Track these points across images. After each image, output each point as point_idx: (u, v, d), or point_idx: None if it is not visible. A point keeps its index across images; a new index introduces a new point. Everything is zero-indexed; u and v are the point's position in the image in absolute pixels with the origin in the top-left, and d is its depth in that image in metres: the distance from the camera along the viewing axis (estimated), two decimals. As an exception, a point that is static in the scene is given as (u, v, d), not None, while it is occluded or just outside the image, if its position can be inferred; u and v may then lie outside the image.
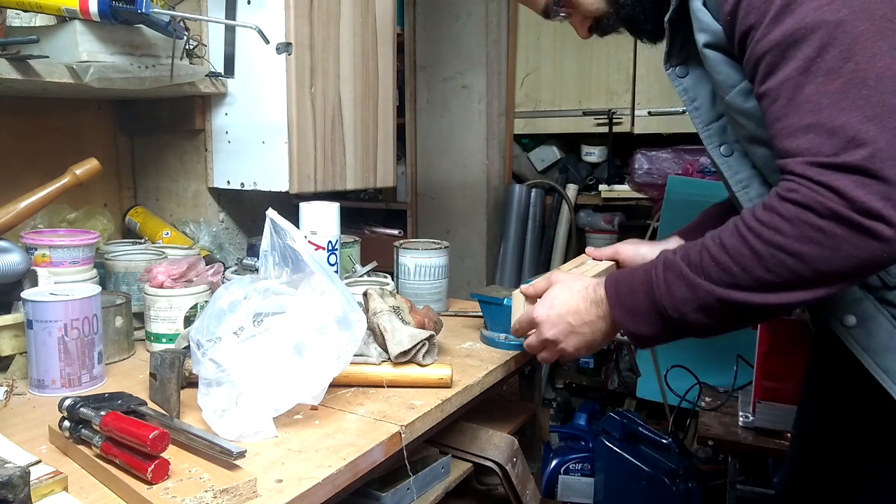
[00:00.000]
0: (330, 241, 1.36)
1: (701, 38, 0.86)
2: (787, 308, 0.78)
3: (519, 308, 1.07)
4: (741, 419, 1.76)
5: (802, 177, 0.72)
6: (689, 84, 0.96)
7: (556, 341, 0.97)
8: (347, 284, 1.31)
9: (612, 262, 1.23)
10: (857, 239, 0.69)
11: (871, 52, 0.69)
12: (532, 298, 1.04)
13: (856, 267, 0.71)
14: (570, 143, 2.93)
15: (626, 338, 0.93)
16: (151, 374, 1.00)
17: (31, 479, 0.69)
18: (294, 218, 1.21)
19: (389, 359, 1.08)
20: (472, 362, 1.19)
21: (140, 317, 1.25)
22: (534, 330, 1.01)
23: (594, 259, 1.22)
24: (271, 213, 1.02)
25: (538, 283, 1.04)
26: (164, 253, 1.38)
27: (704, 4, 0.85)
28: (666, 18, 0.91)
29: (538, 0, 1.03)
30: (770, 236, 0.73)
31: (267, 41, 1.27)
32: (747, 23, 0.77)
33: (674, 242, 1.18)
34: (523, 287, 1.07)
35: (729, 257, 0.77)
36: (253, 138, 1.49)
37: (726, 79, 0.86)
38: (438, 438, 1.18)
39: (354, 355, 0.97)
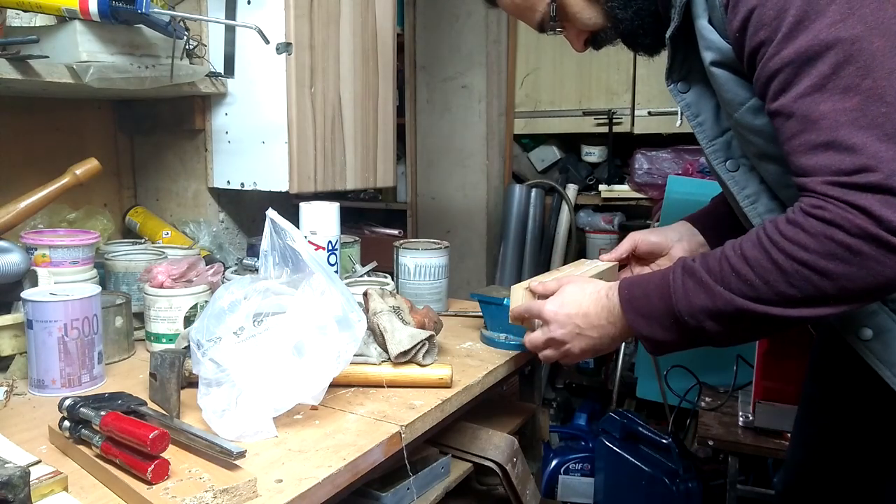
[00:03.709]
0: (330, 241, 1.36)
1: (707, 56, 0.85)
2: (806, 322, 0.77)
3: (518, 302, 1.07)
4: (741, 419, 1.76)
5: (825, 196, 0.71)
6: (692, 100, 0.94)
7: (563, 342, 0.97)
8: (347, 284, 1.31)
9: (614, 263, 1.23)
10: (885, 257, 0.69)
11: (888, 68, 0.68)
12: (541, 297, 1.03)
13: (881, 285, 0.71)
14: (570, 143, 2.93)
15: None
16: (151, 374, 1.00)
17: (31, 479, 0.69)
18: (294, 218, 1.21)
19: (389, 359, 1.08)
20: (472, 362, 1.19)
21: (140, 317, 1.25)
22: (540, 327, 1.00)
23: (609, 260, 1.21)
24: (271, 213, 1.02)
25: (549, 282, 1.03)
26: (164, 253, 1.38)
27: (710, 22, 0.83)
28: (667, 35, 0.90)
29: (534, 15, 1.00)
30: (794, 252, 0.73)
31: (267, 41, 1.27)
32: (758, 39, 0.76)
33: (680, 228, 1.17)
34: (533, 284, 1.06)
35: (751, 269, 0.76)
36: (253, 138, 1.49)
37: (735, 97, 0.85)
38: (438, 438, 1.18)
39: (354, 355, 0.97)
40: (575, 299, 0.96)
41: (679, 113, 1.05)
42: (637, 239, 1.17)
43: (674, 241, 1.15)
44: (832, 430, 1.09)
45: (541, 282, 1.05)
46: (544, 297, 1.02)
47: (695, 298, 0.81)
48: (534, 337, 1.01)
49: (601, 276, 1.18)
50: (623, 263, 1.23)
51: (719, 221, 1.14)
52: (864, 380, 0.88)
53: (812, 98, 0.72)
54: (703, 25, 0.84)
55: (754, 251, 0.76)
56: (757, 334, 0.82)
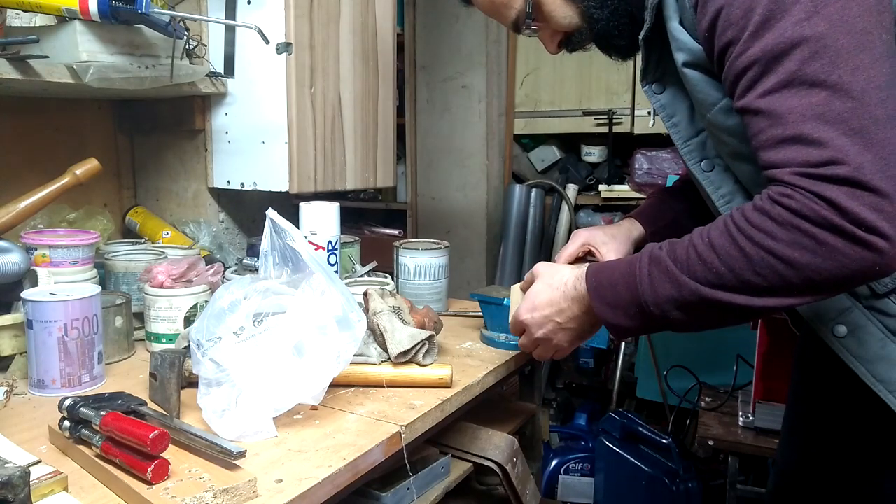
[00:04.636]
0: (330, 241, 1.36)
1: (679, 58, 0.86)
2: (770, 312, 0.77)
3: (517, 303, 1.07)
4: (741, 419, 1.76)
5: (794, 185, 0.71)
6: (667, 101, 0.95)
7: (549, 339, 0.99)
8: (347, 284, 1.31)
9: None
10: (850, 249, 0.69)
11: (853, 64, 0.69)
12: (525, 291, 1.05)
13: (846, 277, 0.71)
14: (570, 143, 2.93)
15: None
16: (151, 374, 1.00)
17: (31, 479, 0.69)
18: (294, 218, 1.21)
19: (389, 359, 1.08)
20: (472, 362, 1.19)
21: (140, 317, 1.25)
22: (523, 335, 1.02)
23: (562, 263, 1.22)
24: (271, 213, 1.02)
25: (528, 276, 1.05)
26: (164, 253, 1.38)
27: (681, 23, 0.84)
28: (640, 36, 0.90)
29: (509, 13, 1.00)
30: (761, 239, 0.73)
31: (267, 41, 1.27)
32: (725, 38, 0.76)
33: (628, 225, 1.20)
34: (522, 284, 1.08)
35: (717, 257, 0.76)
36: (253, 138, 1.49)
37: (707, 97, 0.85)
38: (438, 438, 1.18)
39: (354, 355, 0.97)
40: (545, 298, 0.97)
41: (652, 114, 1.06)
42: (586, 240, 1.19)
43: (608, 240, 1.18)
44: (818, 428, 1.09)
45: (525, 279, 1.06)
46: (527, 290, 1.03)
47: (660, 288, 0.81)
48: (522, 339, 1.04)
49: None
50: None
51: (660, 216, 1.20)
52: (846, 377, 0.89)
53: (779, 94, 0.72)
54: (675, 27, 0.85)
55: (721, 238, 0.76)
56: (721, 322, 0.82)
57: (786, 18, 0.71)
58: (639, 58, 0.99)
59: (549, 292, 0.97)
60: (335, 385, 1.00)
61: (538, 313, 0.98)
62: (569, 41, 1.01)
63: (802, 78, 0.71)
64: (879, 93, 0.68)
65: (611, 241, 1.19)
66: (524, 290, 1.04)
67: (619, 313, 0.86)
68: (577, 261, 1.24)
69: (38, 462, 0.77)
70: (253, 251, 1.46)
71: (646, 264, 0.83)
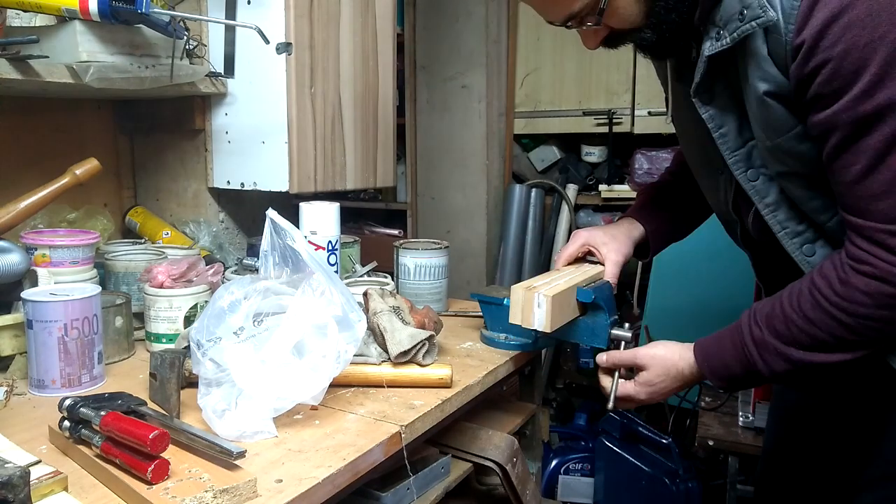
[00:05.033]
0: (330, 241, 1.36)
1: (762, 87, 0.85)
2: (862, 359, 0.87)
3: (518, 303, 1.07)
4: (741, 419, 1.76)
5: (877, 244, 0.79)
6: (716, 112, 0.95)
7: (645, 401, 1.06)
8: (347, 284, 1.31)
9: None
10: None
11: None
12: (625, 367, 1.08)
13: None
14: (570, 143, 2.93)
15: None
16: (151, 374, 1.00)
17: (31, 479, 0.69)
18: (294, 218, 1.21)
19: (389, 359, 1.08)
20: (472, 362, 1.19)
21: (140, 317, 1.25)
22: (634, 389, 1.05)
23: (563, 263, 1.23)
24: (271, 213, 1.02)
25: (630, 355, 1.06)
26: (164, 253, 1.38)
27: (769, 53, 0.83)
28: (708, 52, 0.89)
29: (571, 5, 0.90)
30: (854, 310, 0.82)
31: (267, 41, 1.27)
32: (828, 88, 0.78)
33: (627, 225, 1.23)
34: (612, 360, 1.08)
35: (819, 329, 0.85)
36: (253, 138, 1.49)
37: (783, 124, 0.86)
38: (438, 438, 1.18)
39: (354, 355, 0.97)
40: (665, 389, 1.03)
41: (667, 111, 1.07)
42: (586, 240, 1.23)
43: (608, 241, 1.22)
44: (802, 421, 1.14)
45: (626, 359, 1.07)
46: (628, 365, 1.07)
47: (776, 366, 0.90)
48: (628, 389, 1.06)
49: (601, 275, 1.18)
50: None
51: (657, 214, 1.25)
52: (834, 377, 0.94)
53: (882, 150, 0.77)
54: (764, 56, 0.84)
55: (817, 314, 0.85)
56: (821, 374, 0.91)
57: None
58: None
59: (669, 383, 1.02)
60: (335, 385, 1.00)
61: (657, 397, 1.04)
62: (615, 39, 0.96)
63: None
64: None
65: (611, 241, 1.20)
66: (617, 369, 1.07)
67: (734, 383, 0.98)
68: (576, 261, 1.24)
69: (38, 462, 0.77)
70: (253, 251, 1.46)
71: (753, 349, 0.91)
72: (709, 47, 0.89)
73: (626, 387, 1.05)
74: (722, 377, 0.97)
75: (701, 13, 0.90)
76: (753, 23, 0.82)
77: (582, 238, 1.22)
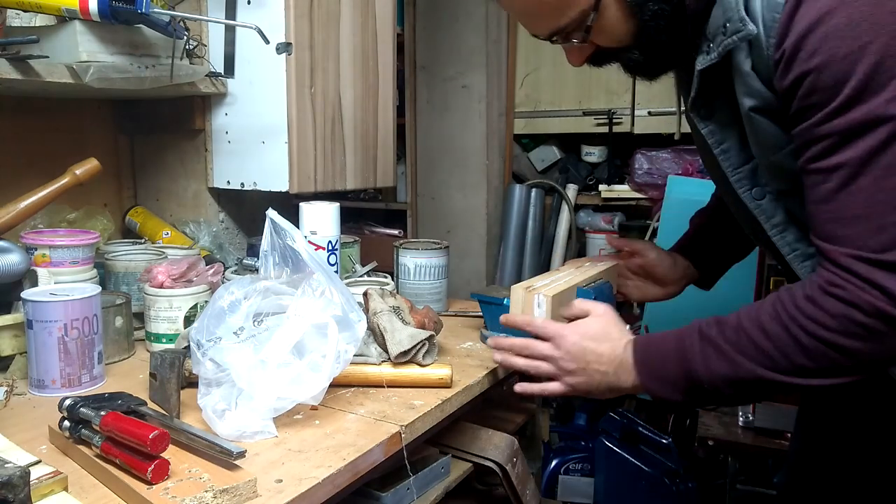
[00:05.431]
0: (330, 241, 1.36)
1: (747, 102, 0.83)
2: (819, 390, 0.79)
3: (517, 303, 1.07)
4: (741, 419, 1.76)
5: (848, 270, 0.73)
6: (717, 127, 0.91)
7: (565, 368, 0.96)
8: (347, 284, 1.31)
9: (614, 263, 1.23)
10: None
11: None
12: (567, 315, 1.02)
13: (894, 356, 0.74)
14: (570, 143, 2.93)
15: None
16: (151, 374, 1.00)
17: (31, 479, 0.69)
18: (294, 218, 1.21)
19: (389, 359, 1.08)
20: (472, 362, 1.19)
21: (140, 317, 1.25)
22: (547, 346, 0.98)
23: (617, 246, 1.23)
24: (271, 213, 1.02)
25: (580, 304, 1.01)
26: (164, 253, 1.38)
27: (753, 68, 0.81)
28: (700, 67, 0.86)
29: (558, 20, 0.88)
30: (814, 329, 0.75)
31: (267, 41, 1.27)
32: (808, 102, 0.74)
33: (683, 261, 1.21)
34: (572, 311, 1.01)
35: (770, 343, 0.78)
36: (253, 138, 1.49)
37: (775, 141, 0.83)
38: (438, 438, 1.18)
39: (354, 355, 0.97)
40: (597, 337, 0.95)
41: (678, 126, 1.05)
42: (653, 256, 1.20)
43: (677, 278, 1.20)
44: (834, 433, 1.09)
45: (574, 303, 1.02)
46: (569, 317, 1.01)
47: (715, 367, 0.83)
48: (540, 346, 0.99)
49: (601, 275, 1.18)
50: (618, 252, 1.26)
51: (709, 250, 1.21)
52: (865, 386, 0.88)
53: (854, 169, 0.72)
54: (747, 72, 0.81)
55: (773, 326, 0.78)
56: (767, 396, 0.87)
57: (880, 95, 0.70)
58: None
59: (603, 338, 0.95)
60: (335, 385, 1.00)
61: (580, 346, 0.95)
62: (601, 57, 0.95)
63: (881, 158, 0.70)
64: None
65: (662, 251, 1.20)
66: (568, 315, 1.01)
67: (668, 387, 0.88)
68: (576, 261, 1.25)
69: (38, 462, 0.76)
70: (253, 251, 1.46)
71: (696, 342, 0.84)
72: (700, 61, 0.86)
73: (556, 325, 0.98)
74: (653, 373, 0.88)
75: (693, 27, 0.87)
76: (734, 37, 0.79)
77: (643, 247, 1.22)
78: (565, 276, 1.14)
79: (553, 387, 0.99)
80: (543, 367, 0.99)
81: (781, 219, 0.89)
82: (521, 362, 1.02)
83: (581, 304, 1.01)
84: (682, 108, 1.02)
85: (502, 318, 1.06)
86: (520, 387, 1.04)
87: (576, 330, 0.97)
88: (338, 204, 1.38)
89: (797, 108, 0.76)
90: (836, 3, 0.71)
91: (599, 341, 0.95)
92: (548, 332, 0.99)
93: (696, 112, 0.92)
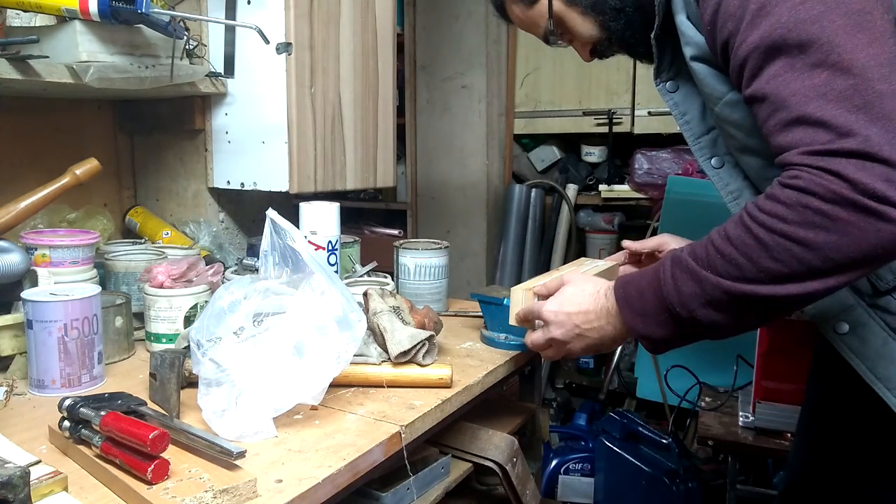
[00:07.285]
0: (330, 241, 1.36)
1: (687, 52, 0.87)
2: (799, 300, 0.75)
3: (518, 303, 1.07)
4: (741, 419, 1.76)
5: (802, 165, 0.71)
6: (680, 99, 0.97)
7: (564, 342, 0.96)
8: (347, 284, 1.31)
9: (615, 263, 1.23)
10: (864, 222, 0.67)
11: (851, 44, 0.69)
12: (542, 297, 1.03)
13: (866, 253, 0.69)
14: (570, 143, 2.93)
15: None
16: (151, 374, 1.00)
17: (31, 479, 0.69)
18: (294, 218, 1.21)
19: (389, 359, 1.08)
20: (472, 362, 1.19)
21: (140, 317, 1.25)
22: (540, 326, 1.00)
23: (635, 250, 1.22)
24: (271, 213, 1.02)
25: (550, 282, 1.03)
26: (164, 253, 1.38)
27: (688, 17, 0.86)
28: (652, 35, 0.92)
29: (538, 29, 1.05)
30: (773, 224, 0.72)
31: (267, 41, 1.27)
32: (726, 31, 0.78)
33: None
34: (537, 287, 1.05)
35: (734, 248, 0.75)
36: (253, 138, 1.49)
37: (713, 91, 0.87)
38: (438, 438, 1.18)
39: (354, 355, 0.97)
40: (574, 299, 0.95)
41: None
42: (673, 246, 1.15)
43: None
44: (835, 436, 1.09)
45: (543, 283, 1.05)
46: (545, 297, 1.01)
47: (684, 287, 0.79)
48: (535, 337, 1.01)
49: (601, 275, 1.18)
50: (634, 258, 1.23)
51: None
52: (863, 385, 0.88)
53: (782, 78, 0.73)
54: (682, 21, 0.86)
55: (736, 230, 0.75)
56: (752, 319, 0.80)
57: (781, 4, 0.72)
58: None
59: (580, 297, 0.94)
60: (335, 385, 1.00)
61: (563, 311, 0.95)
62: (597, 50, 1.05)
63: (803, 60, 0.71)
64: (881, 69, 0.68)
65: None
66: (543, 294, 1.02)
67: (650, 322, 0.85)
68: (576, 261, 1.24)
69: (38, 462, 0.77)
70: (253, 251, 1.46)
71: (668, 267, 0.82)
72: (653, 31, 0.92)
73: (538, 303, 1.00)
74: (634, 308, 0.86)
75: (648, 7, 0.92)
76: None
77: (664, 237, 1.19)
78: (566, 274, 1.14)
79: (569, 357, 1.02)
80: (550, 353, 1.01)
81: (736, 186, 0.93)
82: (549, 353, 1.02)
83: (549, 283, 1.02)
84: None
85: (514, 322, 1.08)
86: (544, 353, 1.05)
87: (552, 302, 0.97)
88: (338, 204, 1.38)
89: (721, 43, 0.79)
90: None
91: (580, 302, 0.94)
92: (532, 314, 1.02)
93: (663, 84, 0.97)
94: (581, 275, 1.02)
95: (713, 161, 0.95)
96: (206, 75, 1.42)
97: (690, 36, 0.86)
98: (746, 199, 0.91)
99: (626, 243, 1.21)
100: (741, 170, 0.93)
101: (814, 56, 0.71)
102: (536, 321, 1.02)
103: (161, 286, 1.19)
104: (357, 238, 1.61)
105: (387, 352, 1.08)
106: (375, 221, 3.04)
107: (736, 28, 0.76)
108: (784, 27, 0.72)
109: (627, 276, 0.91)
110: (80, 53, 1.16)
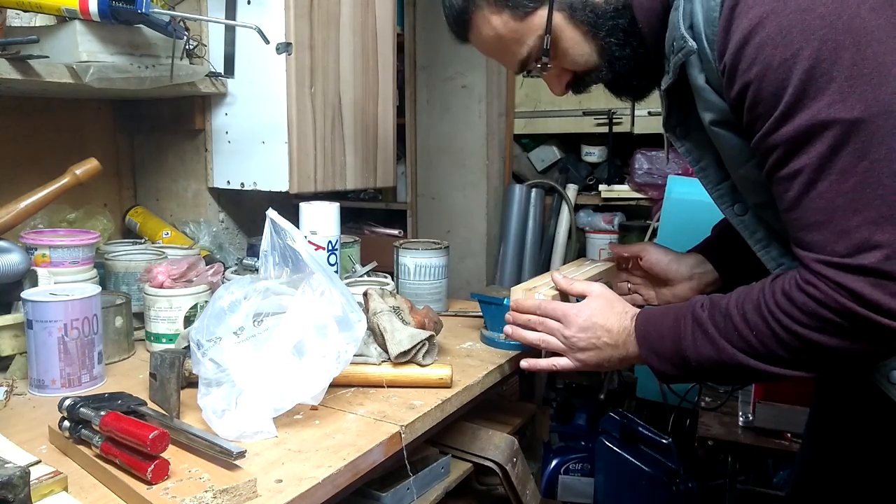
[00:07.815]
0: (330, 241, 1.36)
1: (707, 117, 0.84)
2: (805, 378, 0.82)
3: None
4: (741, 419, 1.76)
5: (818, 274, 0.74)
6: (693, 145, 0.93)
7: (582, 348, 0.99)
8: (347, 284, 1.31)
9: (613, 264, 1.23)
10: (872, 332, 0.72)
11: (885, 150, 0.68)
12: (563, 294, 1.05)
13: (870, 353, 0.76)
14: (570, 143, 2.93)
15: None
16: (151, 374, 1.00)
17: (31, 479, 0.69)
18: (294, 218, 1.21)
19: (389, 359, 1.08)
20: (472, 362, 1.19)
21: (140, 317, 1.25)
22: (558, 325, 1.01)
23: (617, 253, 1.22)
24: (271, 213, 1.02)
25: (577, 284, 1.04)
26: (164, 253, 1.38)
27: (707, 82, 0.82)
28: (663, 87, 0.90)
29: (520, 49, 0.94)
30: (788, 324, 0.77)
31: (267, 41, 1.27)
32: (754, 113, 0.75)
33: (692, 262, 1.18)
34: (556, 277, 1.07)
35: (751, 332, 0.81)
36: (253, 138, 1.49)
37: (739, 154, 0.84)
38: (438, 438, 1.18)
39: (354, 355, 0.97)
40: (604, 313, 0.98)
41: (665, 148, 1.06)
42: (651, 255, 1.19)
43: (684, 277, 1.17)
44: (843, 443, 1.08)
45: (568, 276, 1.06)
46: (564, 292, 1.03)
47: (702, 349, 0.85)
48: (551, 323, 1.01)
49: (601, 276, 1.18)
50: (620, 263, 1.24)
51: (729, 254, 1.17)
52: (874, 400, 0.88)
53: (809, 177, 0.72)
54: (702, 86, 0.82)
55: (755, 316, 0.81)
56: (749, 382, 0.88)
57: (819, 99, 0.70)
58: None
59: (609, 313, 0.98)
60: (335, 385, 1.00)
61: (592, 322, 0.98)
62: (579, 81, 0.98)
63: (834, 162, 0.70)
64: None
65: (670, 253, 1.19)
66: (565, 289, 1.04)
67: (665, 363, 0.91)
68: (577, 261, 1.24)
69: (38, 462, 0.77)
70: (253, 251, 1.46)
71: (690, 323, 0.87)
72: (664, 81, 0.89)
73: (563, 305, 1.02)
74: (652, 348, 0.92)
75: (654, 48, 0.90)
76: (680, 54, 0.82)
77: (644, 245, 1.21)
78: (590, 279, 1.14)
79: (563, 362, 1.02)
80: (553, 342, 1.02)
81: (763, 234, 0.91)
82: (532, 336, 1.05)
83: (582, 284, 1.05)
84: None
85: (512, 302, 1.08)
86: (526, 362, 1.08)
87: (583, 309, 1.00)
88: (338, 204, 1.38)
89: (748, 120, 0.77)
90: (766, 12, 0.72)
91: (607, 317, 0.98)
92: (557, 312, 1.02)
93: (672, 132, 0.95)
94: (611, 291, 1.03)
95: (736, 208, 0.92)
96: (206, 75, 1.42)
97: (712, 102, 0.82)
98: (776, 248, 0.90)
99: (611, 246, 1.25)
100: (763, 217, 0.90)
101: (845, 160, 0.70)
102: (531, 318, 1.03)
103: (161, 286, 1.19)
104: (357, 238, 1.61)
105: (387, 352, 1.08)
106: (375, 221, 3.04)
107: (766, 113, 0.73)
108: (820, 124, 0.70)
109: (649, 313, 0.95)
110: (80, 53, 1.16)
